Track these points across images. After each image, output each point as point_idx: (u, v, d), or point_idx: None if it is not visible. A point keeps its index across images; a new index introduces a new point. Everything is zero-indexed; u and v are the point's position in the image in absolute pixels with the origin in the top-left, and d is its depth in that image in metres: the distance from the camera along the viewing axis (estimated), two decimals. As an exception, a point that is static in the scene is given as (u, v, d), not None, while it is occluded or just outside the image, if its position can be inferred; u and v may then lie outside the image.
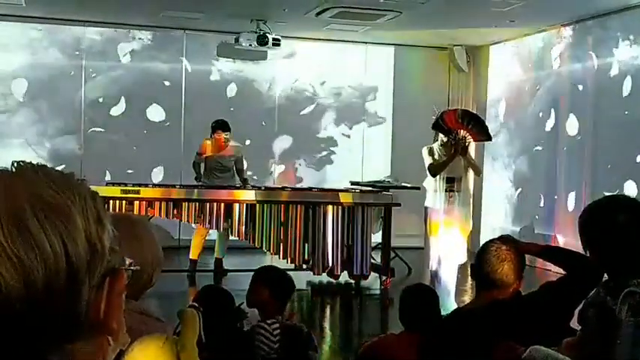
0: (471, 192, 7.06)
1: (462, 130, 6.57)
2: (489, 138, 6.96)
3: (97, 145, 9.89)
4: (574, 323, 2.63)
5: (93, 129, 9.96)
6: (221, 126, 8.20)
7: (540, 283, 3.04)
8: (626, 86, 8.12)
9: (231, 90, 10.31)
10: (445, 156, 6.63)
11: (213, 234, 8.22)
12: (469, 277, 5.83)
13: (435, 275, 6.70)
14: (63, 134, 9.88)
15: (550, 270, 5.47)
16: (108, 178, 9.17)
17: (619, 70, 8.26)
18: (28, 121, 9.75)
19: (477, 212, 9.39)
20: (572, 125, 8.97)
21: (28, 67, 9.72)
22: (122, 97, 10.02)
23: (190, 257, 8.17)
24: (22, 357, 0.78)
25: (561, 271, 3.00)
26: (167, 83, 10.13)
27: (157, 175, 9.97)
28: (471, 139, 6.66)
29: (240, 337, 3.38)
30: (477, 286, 3.00)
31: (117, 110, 10.01)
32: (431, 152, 6.70)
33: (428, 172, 6.74)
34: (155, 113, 10.12)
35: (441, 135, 6.68)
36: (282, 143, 10.57)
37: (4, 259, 0.76)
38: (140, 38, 10.12)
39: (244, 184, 8.26)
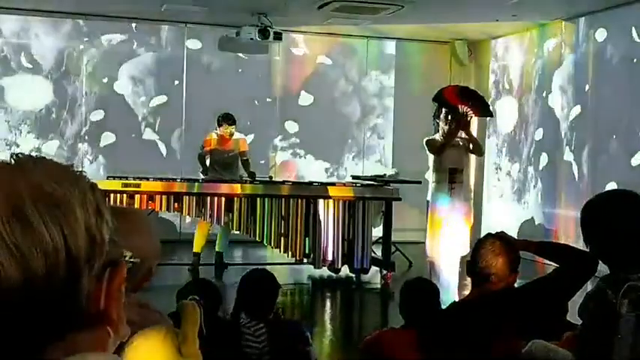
0: (472, 186, 7.04)
1: (463, 106, 6.54)
2: (490, 114, 6.93)
3: (96, 140, 9.89)
4: (575, 317, 2.63)
5: (94, 121, 9.96)
6: (226, 119, 8.17)
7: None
8: (629, 79, 8.11)
9: (233, 84, 10.29)
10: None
11: (217, 227, 8.20)
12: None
13: (433, 269, 6.69)
14: (64, 128, 9.88)
15: (550, 265, 5.47)
16: (108, 172, 9.16)
17: (622, 63, 8.24)
18: (27, 116, 9.75)
19: (478, 206, 9.39)
20: (574, 117, 8.96)
21: (29, 60, 9.71)
22: (123, 92, 10.00)
23: (194, 250, 8.17)
24: (22, 347, 0.79)
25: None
26: (168, 77, 10.11)
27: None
28: (473, 114, 6.63)
29: (228, 329, 3.39)
30: (473, 281, 3.04)
31: (118, 105, 10.00)
32: (433, 142, 6.67)
33: (429, 155, 6.63)
34: (157, 106, 10.11)
35: (441, 125, 6.65)
36: (282, 136, 10.57)
37: (3, 249, 0.76)
38: (142, 31, 10.09)
39: (252, 178, 8.20)
